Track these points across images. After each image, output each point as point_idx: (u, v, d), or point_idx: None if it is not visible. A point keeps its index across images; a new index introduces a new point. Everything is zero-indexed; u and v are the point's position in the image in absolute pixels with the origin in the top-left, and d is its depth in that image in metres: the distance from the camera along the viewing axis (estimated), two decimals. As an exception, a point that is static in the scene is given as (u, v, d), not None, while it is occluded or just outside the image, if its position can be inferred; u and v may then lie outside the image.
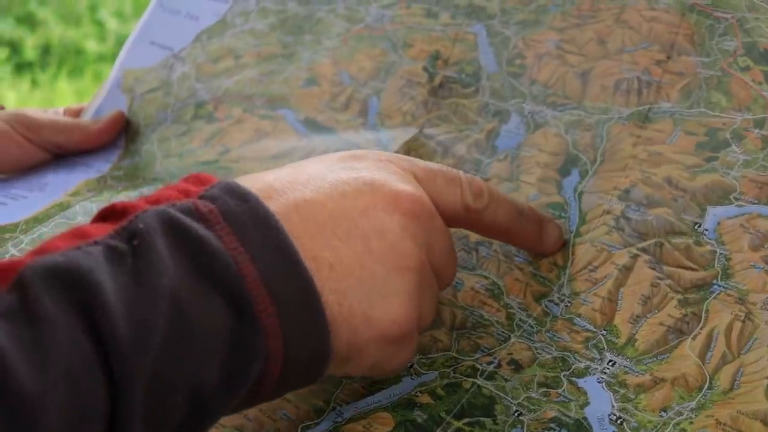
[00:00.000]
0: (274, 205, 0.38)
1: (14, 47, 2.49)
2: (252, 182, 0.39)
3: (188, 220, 0.35)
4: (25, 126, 0.66)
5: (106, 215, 0.37)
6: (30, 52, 2.50)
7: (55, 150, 0.68)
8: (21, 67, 2.44)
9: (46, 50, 2.54)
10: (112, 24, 2.57)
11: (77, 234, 0.35)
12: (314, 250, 0.38)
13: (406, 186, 0.42)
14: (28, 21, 2.61)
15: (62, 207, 0.59)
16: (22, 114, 0.67)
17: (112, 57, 2.32)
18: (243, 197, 0.37)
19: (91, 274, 0.32)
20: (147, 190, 0.59)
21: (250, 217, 0.37)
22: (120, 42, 2.43)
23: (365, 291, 0.39)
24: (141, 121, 0.69)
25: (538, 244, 0.51)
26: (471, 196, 0.46)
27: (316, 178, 0.41)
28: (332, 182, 0.41)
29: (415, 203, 0.42)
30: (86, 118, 0.70)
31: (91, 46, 2.46)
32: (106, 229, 0.35)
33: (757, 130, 0.49)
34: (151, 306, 0.33)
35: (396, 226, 0.41)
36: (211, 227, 0.36)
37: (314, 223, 0.39)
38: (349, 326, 0.39)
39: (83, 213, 0.57)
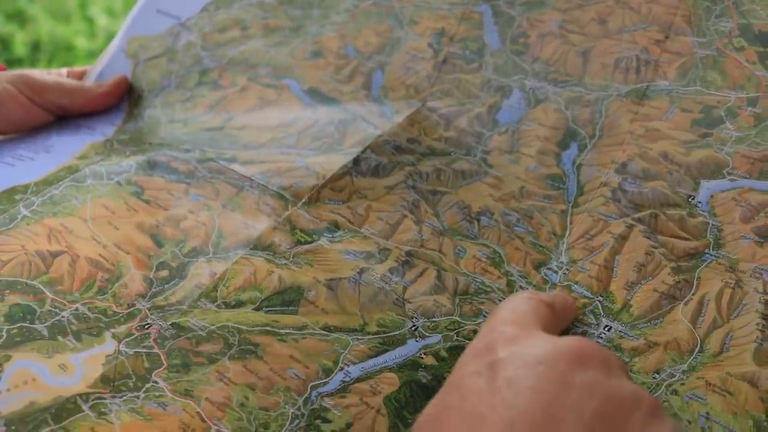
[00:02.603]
0: None
1: (4, 43, 2.45)
2: None
3: None
4: (29, 87, 0.67)
5: None
6: (20, 49, 2.47)
7: (59, 111, 0.68)
8: (11, 64, 2.40)
9: (35, 47, 2.51)
10: (102, 21, 2.53)
11: None
12: None
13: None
14: (18, 17, 2.57)
15: (71, 170, 0.59)
16: (26, 75, 0.68)
17: (102, 54, 2.31)
18: None
19: None
20: (155, 156, 0.60)
21: None
22: (110, 39, 2.41)
23: None
24: (144, 86, 0.70)
25: None
26: None
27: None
28: None
29: None
30: (89, 81, 0.71)
31: (81, 42, 2.43)
32: None
33: (750, 108, 0.51)
34: None
35: None
36: None
37: None
38: None
39: (92, 176, 0.58)
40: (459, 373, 0.38)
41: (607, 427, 0.33)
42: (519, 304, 0.42)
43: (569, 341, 0.37)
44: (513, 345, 0.37)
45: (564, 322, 0.46)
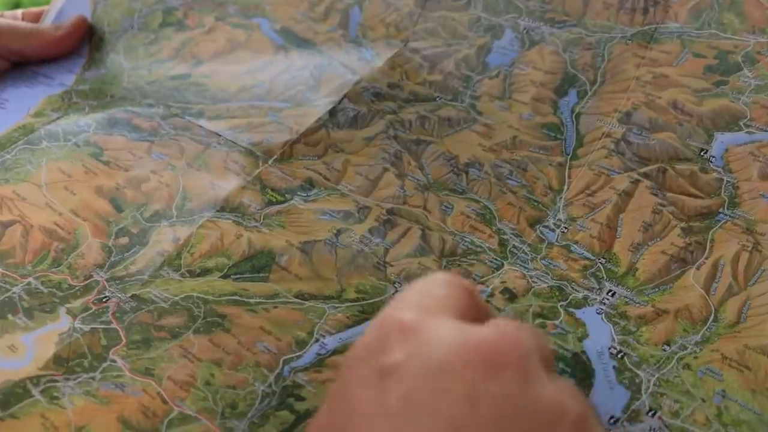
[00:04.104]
0: None
1: (-17, 6, 2.42)
2: None
3: None
4: None
5: None
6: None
7: (13, 57, 0.64)
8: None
9: (16, 7, 2.49)
10: (82, -20, 2.53)
11: None
12: None
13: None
14: (-1, -22, 2.54)
15: (26, 130, 0.56)
16: None
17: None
18: None
19: None
20: (116, 112, 0.56)
21: None
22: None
23: None
24: (105, 27, 0.65)
25: None
26: None
27: None
28: None
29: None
30: (46, 22, 0.66)
31: (62, 1, 2.44)
32: None
33: None
34: None
35: None
36: None
37: None
38: None
39: (48, 138, 0.54)
40: (346, 376, 0.31)
41: None
42: (433, 287, 0.35)
43: (483, 335, 0.31)
44: (411, 341, 0.30)
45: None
